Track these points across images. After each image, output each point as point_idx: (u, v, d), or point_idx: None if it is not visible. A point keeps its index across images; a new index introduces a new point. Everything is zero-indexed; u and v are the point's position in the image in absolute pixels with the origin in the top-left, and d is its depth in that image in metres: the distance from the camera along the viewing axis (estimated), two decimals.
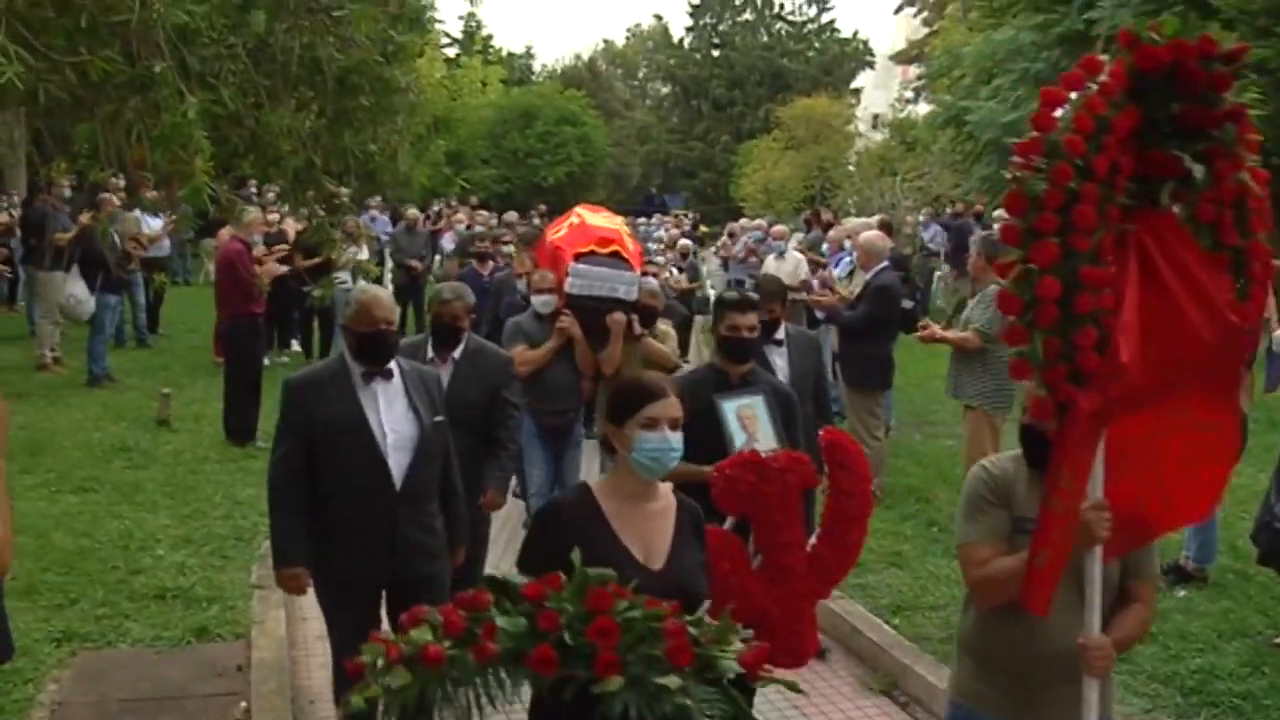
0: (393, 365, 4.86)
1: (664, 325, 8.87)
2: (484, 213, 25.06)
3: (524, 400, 6.80)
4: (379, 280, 18.52)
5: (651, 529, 3.33)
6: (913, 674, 6.23)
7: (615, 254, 8.19)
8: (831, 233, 13.66)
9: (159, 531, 7.99)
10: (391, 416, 4.78)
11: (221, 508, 8.63)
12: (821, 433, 4.81)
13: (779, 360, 6.86)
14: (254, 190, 17.53)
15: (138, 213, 14.12)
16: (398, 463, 4.76)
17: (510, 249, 13.01)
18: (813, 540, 4.51)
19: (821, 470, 4.69)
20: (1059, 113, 3.06)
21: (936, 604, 7.06)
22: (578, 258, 8.02)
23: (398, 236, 18.24)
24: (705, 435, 4.60)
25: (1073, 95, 3.07)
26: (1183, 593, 7.10)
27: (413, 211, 18.53)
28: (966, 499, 3.71)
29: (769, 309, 6.73)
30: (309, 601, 7.43)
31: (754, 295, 5.70)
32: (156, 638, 6.38)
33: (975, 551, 3.61)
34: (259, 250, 12.77)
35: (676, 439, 3.30)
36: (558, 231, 8.71)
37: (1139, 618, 3.62)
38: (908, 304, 10.72)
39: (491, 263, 12.47)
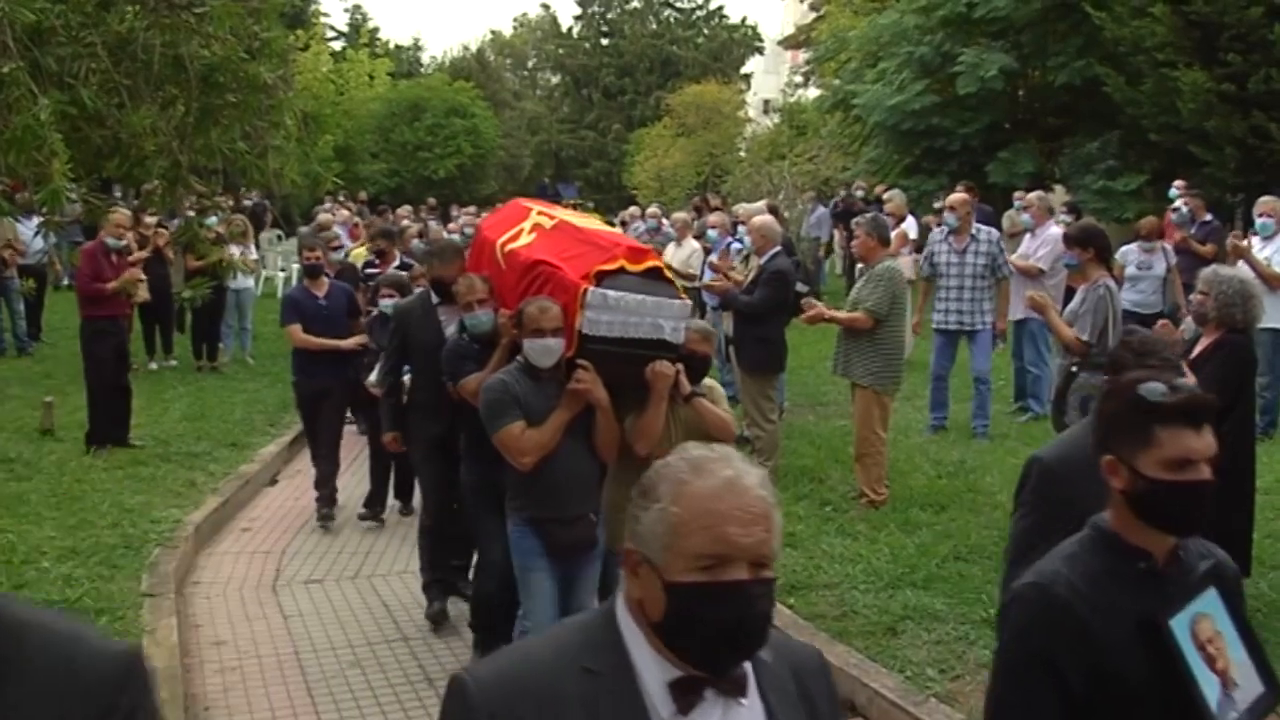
0: (748, 669, 2.00)
1: (709, 380, 5.97)
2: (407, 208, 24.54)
3: (518, 507, 5.22)
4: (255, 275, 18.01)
5: None
6: None
7: (652, 270, 5.59)
8: (712, 218, 13.66)
9: (44, 543, 7.78)
10: None
11: (109, 516, 8.44)
12: None
13: None
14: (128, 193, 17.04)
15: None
16: None
17: (341, 255, 11.85)
18: None
19: None
20: None
21: (830, 582, 7.15)
22: (600, 278, 5.35)
23: (307, 238, 17.44)
24: (1147, 683, 2.52)
25: None
26: None
27: (325, 216, 17.90)
28: None
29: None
30: (201, 607, 7.42)
31: (1200, 393, 2.62)
32: None
33: None
34: (139, 255, 12.58)
35: None
36: (515, 239, 5.98)
37: None
38: (802, 287, 10.83)
39: (327, 279, 9.61)
